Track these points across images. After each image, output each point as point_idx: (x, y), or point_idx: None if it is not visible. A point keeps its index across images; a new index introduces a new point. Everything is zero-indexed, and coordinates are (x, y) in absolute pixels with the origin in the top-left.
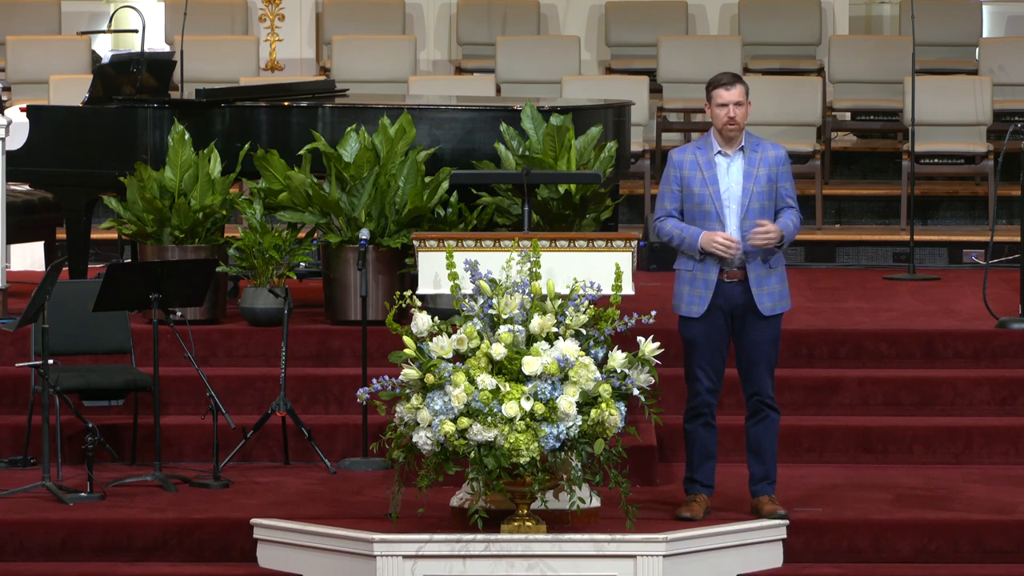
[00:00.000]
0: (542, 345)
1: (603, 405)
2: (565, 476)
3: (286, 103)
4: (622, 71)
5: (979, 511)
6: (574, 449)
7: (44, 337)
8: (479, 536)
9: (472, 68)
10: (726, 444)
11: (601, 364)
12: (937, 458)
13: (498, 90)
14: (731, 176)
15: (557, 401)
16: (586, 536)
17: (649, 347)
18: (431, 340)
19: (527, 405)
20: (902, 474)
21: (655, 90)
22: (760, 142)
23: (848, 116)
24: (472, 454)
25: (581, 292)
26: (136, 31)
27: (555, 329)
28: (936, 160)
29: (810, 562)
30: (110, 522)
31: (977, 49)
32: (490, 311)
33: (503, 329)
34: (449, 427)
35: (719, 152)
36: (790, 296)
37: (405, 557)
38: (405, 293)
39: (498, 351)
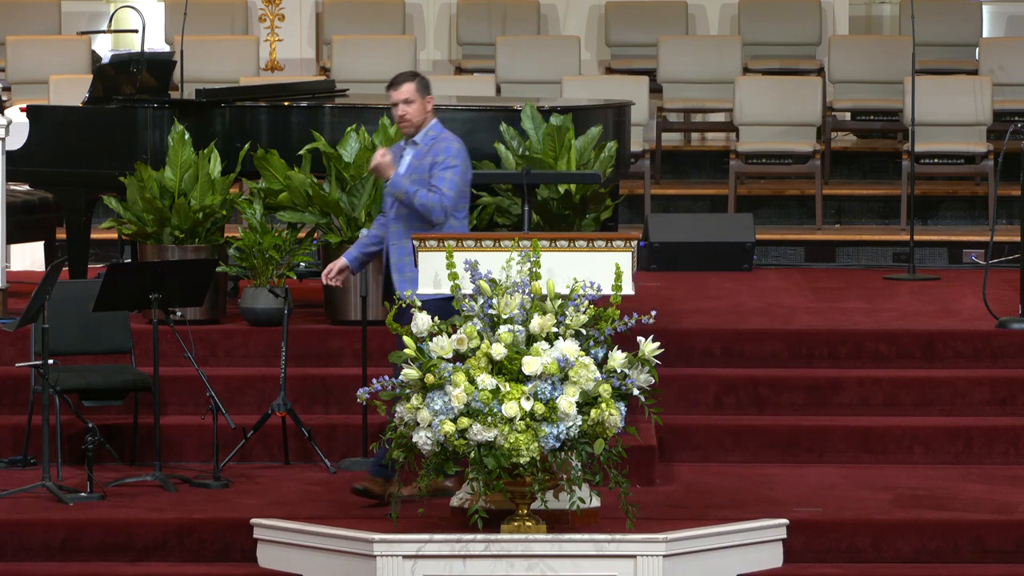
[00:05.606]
0: (542, 345)
1: (603, 405)
2: (565, 476)
3: (286, 103)
4: (622, 71)
5: (979, 511)
6: (574, 449)
7: (44, 337)
8: (479, 536)
9: (472, 68)
10: (726, 444)
11: (601, 364)
12: (937, 458)
13: (498, 90)
14: (401, 166)
15: (557, 401)
16: (586, 536)
17: (649, 347)
18: (431, 340)
19: (527, 405)
20: (902, 474)
21: (655, 90)
22: (438, 136)
23: (848, 116)
24: (472, 454)
25: (581, 292)
26: (136, 31)
27: (555, 329)
28: (936, 160)
29: (810, 562)
30: (110, 522)
31: (977, 49)
32: (490, 311)
33: (503, 329)
34: (449, 427)
35: (406, 145)
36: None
37: (405, 557)
38: (405, 293)
39: (498, 351)
